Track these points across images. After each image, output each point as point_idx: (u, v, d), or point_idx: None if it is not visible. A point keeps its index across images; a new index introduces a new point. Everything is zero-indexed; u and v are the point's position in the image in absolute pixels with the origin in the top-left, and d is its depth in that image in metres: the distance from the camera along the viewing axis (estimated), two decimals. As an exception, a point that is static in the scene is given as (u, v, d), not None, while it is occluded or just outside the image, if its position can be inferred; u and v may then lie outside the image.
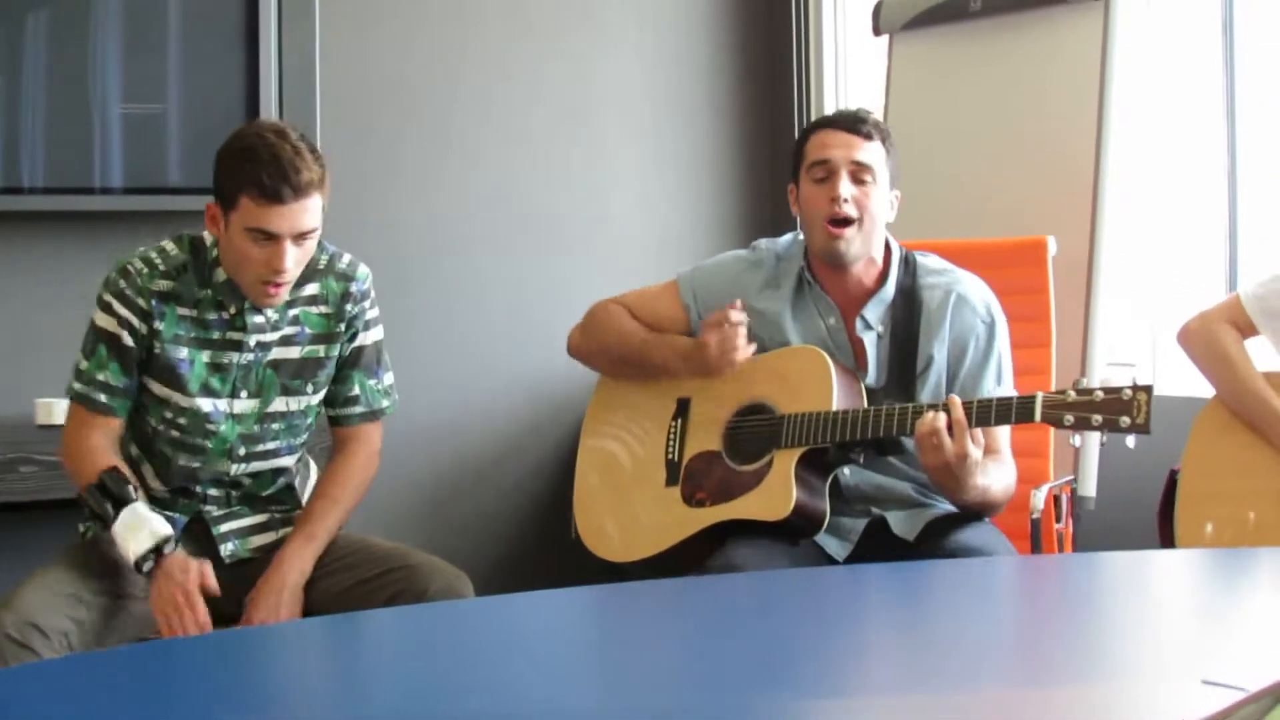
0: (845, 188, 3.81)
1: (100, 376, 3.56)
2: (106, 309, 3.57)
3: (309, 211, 3.46)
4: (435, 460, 5.31)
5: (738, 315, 3.89)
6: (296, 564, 3.63)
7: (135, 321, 3.55)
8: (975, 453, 3.62)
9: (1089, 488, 4.45)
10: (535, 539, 5.39)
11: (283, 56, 4.94)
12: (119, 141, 4.91)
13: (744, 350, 3.89)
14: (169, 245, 3.62)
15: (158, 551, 3.42)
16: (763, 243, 4.09)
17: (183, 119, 4.96)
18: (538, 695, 2.45)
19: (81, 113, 4.88)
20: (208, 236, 3.63)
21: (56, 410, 4.45)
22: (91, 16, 4.88)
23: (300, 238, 3.47)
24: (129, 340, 3.56)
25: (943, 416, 3.63)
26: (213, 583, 3.46)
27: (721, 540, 3.84)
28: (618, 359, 4.15)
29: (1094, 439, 3.96)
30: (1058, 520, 4.19)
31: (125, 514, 3.44)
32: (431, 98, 5.32)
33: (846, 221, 3.83)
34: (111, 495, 3.46)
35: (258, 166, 3.40)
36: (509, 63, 5.41)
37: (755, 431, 3.90)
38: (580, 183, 5.50)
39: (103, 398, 3.57)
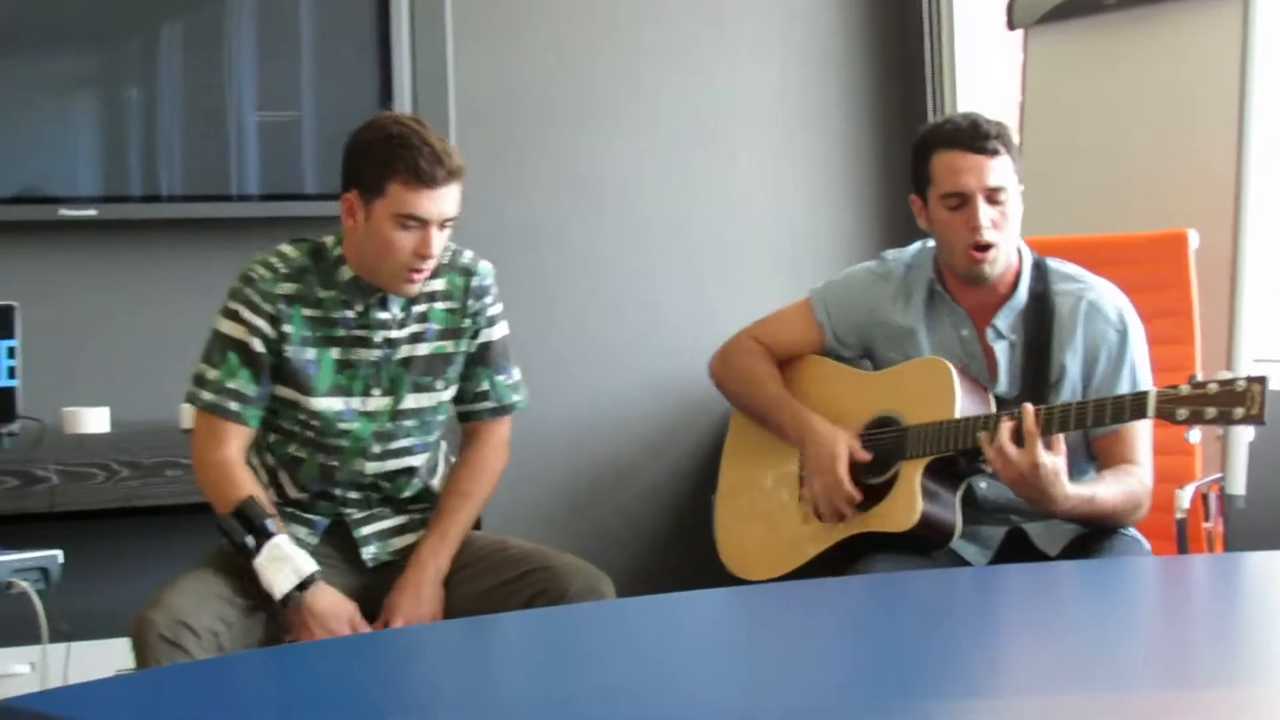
0: (984, 215, 3.78)
1: (231, 385, 3.56)
2: (233, 316, 3.58)
3: (455, 198, 3.50)
4: (574, 463, 5.31)
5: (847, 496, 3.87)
6: (433, 562, 3.64)
7: (264, 327, 3.56)
8: (1049, 460, 3.57)
9: (1237, 486, 4.37)
10: (674, 541, 5.38)
11: (416, 62, 4.96)
12: (255, 148, 4.95)
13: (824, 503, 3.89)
14: (287, 249, 3.64)
15: (302, 588, 3.44)
16: (890, 254, 4.06)
17: (317, 125, 4.99)
18: (679, 697, 2.45)
19: (217, 121, 4.92)
20: (327, 239, 3.65)
21: (200, 415, 4.49)
22: (226, 25, 4.92)
23: (444, 224, 3.50)
24: (259, 346, 3.57)
25: (1005, 428, 3.61)
26: (361, 624, 3.48)
27: (856, 555, 3.83)
28: (749, 409, 4.17)
29: (1242, 436, 3.91)
30: (1206, 519, 4.13)
31: (268, 549, 3.45)
32: (561, 103, 5.32)
33: (989, 245, 3.80)
34: (253, 526, 3.46)
35: (411, 151, 3.43)
36: (639, 68, 5.40)
37: (882, 444, 3.88)
38: (711, 187, 5.48)
39: (234, 406, 3.57)
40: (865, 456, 3.86)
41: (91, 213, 4.72)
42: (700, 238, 5.45)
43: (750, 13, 5.52)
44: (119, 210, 4.80)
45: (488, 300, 3.71)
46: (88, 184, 4.80)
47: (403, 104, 4.92)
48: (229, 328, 3.58)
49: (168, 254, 4.91)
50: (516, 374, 3.80)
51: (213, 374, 3.58)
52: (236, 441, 3.59)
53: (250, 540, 3.45)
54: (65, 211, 4.70)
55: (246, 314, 3.56)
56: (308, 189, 4.97)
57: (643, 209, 5.40)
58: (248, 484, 3.54)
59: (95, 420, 4.49)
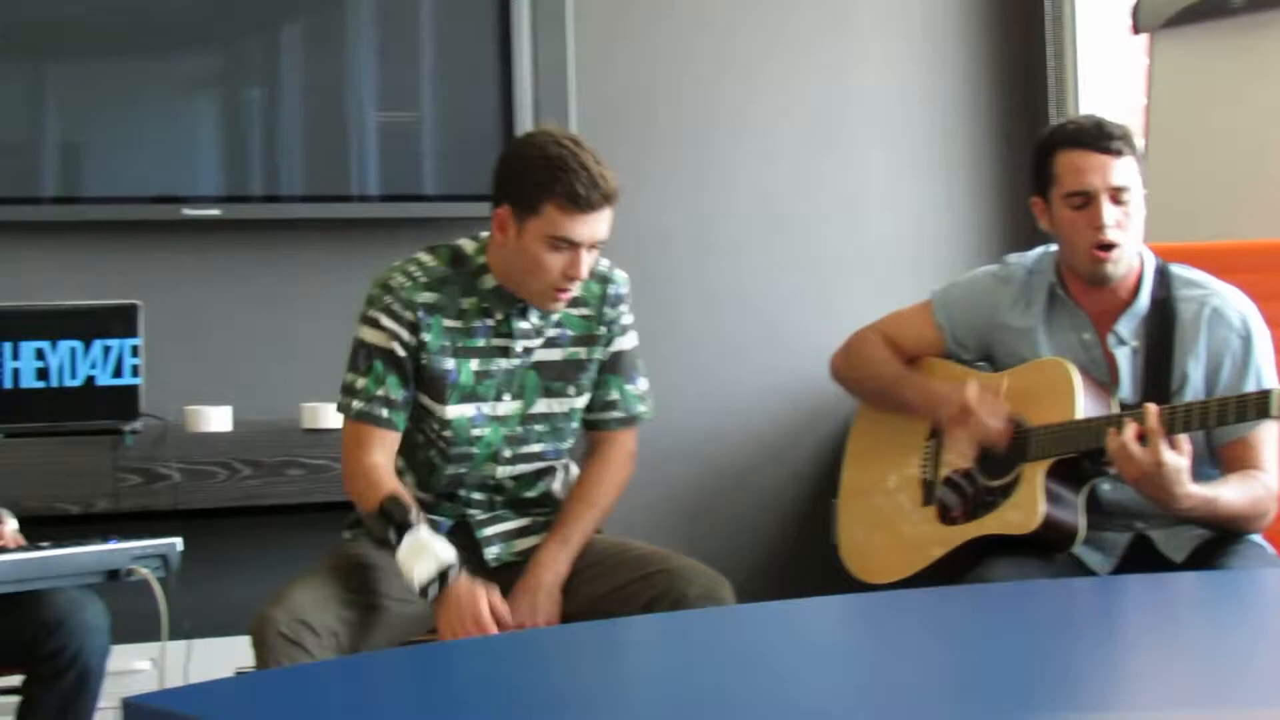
0: (1108, 214, 3.77)
1: (380, 392, 3.57)
2: (374, 324, 3.58)
3: (608, 221, 3.50)
4: (694, 466, 5.29)
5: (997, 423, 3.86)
6: (551, 566, 3.63)
7: (405, 334, 3.56)
8: (1172, 459, 3.55)
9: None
10: (793, 546, 5.36)
11: (537, 63, 4.96)
12: (375, 149, 4.97)
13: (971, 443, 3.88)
14: (425, 257, 3.63)
15: (443, 578, 3.44)
16: (1012, 258, 4.05)
17: (437, 126, 5.00)
18: (797, 704, 2.44)
19: (338, 121, 4.95)
20: (466, 244, 3.65)
21: (321, 415, 4.51)
22: (346, 26, 4.95)
23: (594, 246, 3.50)
24: (402, 352, 3.57)
25: (1131, 427, 3.58)
26: (503, 609, 3.48)
27: (979, 558, 3.81)
28: (873, 392, 4.15)
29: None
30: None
31: (408, 539, 3.44)
32: (684, 106, 5.31)
33: (1113, 245, 3.78)
34: (394, 521, 3.46)
35: (569, 175, 3.43)
36: (761, 71, 5.38)
37: (1005, 446, 3.86)
38: (834, 191, 5.45)
39: (385, 412, 3.58)
40: (1000, 409, 3.85)
41: (214, 212, 4.76)
42: (821, 242, 5.43)
43: (873, 16, 5.49)
44: (240, 210, 4.83)
45: (622, 309, 3.72)
46: (210, 184, 4.84)
47: (523, 105, 4.92)
48: (372, 335, 3.59)
49: (288, 254, 4.94)
50: (644, 384, 3.80)
51: (361, 382, 3.59)
52: (385, 448, 3.60)
53: (393, 534, 3.46)
54: (188, 211, 4.74)
55: (387, 321, 3.56)
56: (427, 190, 4.99)
57: (763, 213, 5.38)
58: (392, 484, 3.55)
59: (217, 419, 4.52)
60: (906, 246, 5.49)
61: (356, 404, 3.59)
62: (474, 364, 3.61)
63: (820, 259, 5.42)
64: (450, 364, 3.59)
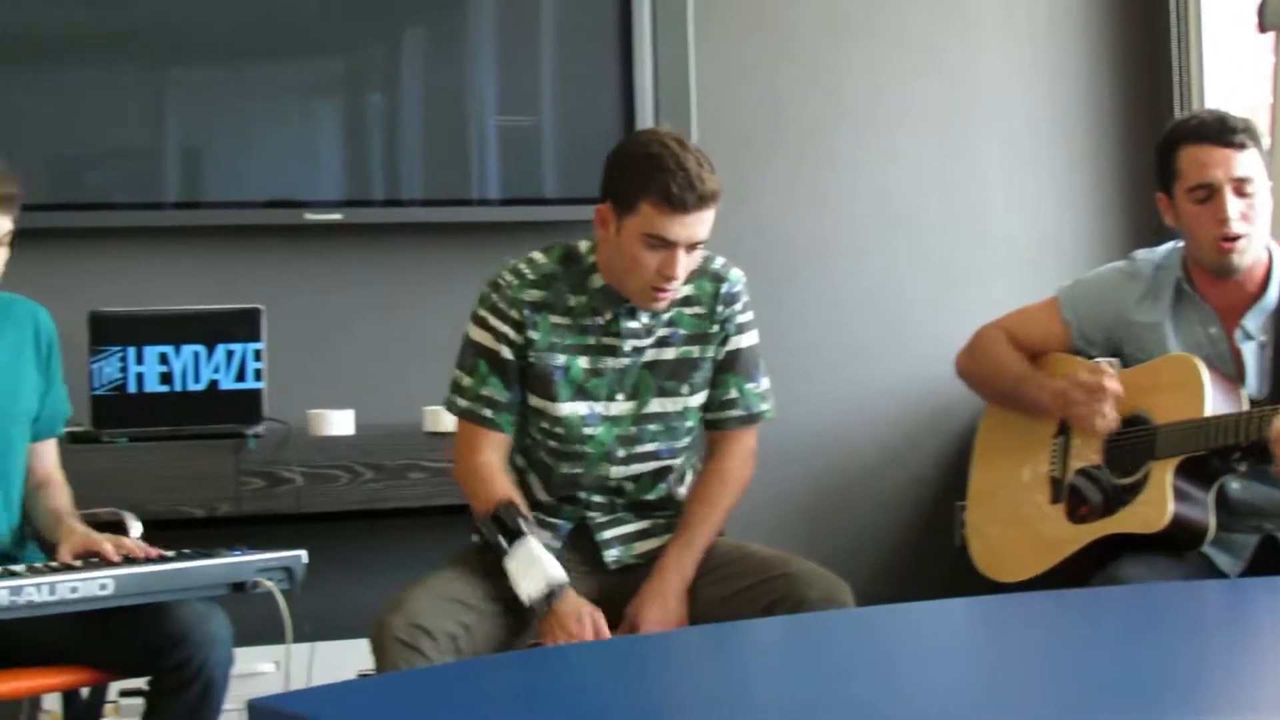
0: (1232, 206, 3.77)
1: (484, 392, 3.59)
2: (481, 323, 3.61)
3: (706, 223, 3.48)
4: (814, 469, 5.28)
5: (1111, 384, 3.84)
6: (677, 570, 3.61)
7: (511, 334, 3.58)
8: None
9: None
10: (914, 548, 5.33)
11: (658, 68, 4.95)
12: (495, 153, 4.98)
13: (1107, 418, 3.84)
14: (537, 255, 3.64)
15: (550, 595, 3.43)
16: (1140, 253, 4.03)
17: (558, 130, 5.01)
18: (919, 708, 2.41)
19: (458, 126, 4.96)
20: (582, 244, 3.65)
21: (444, 418, 4.51)
22: (467, 31, 4.96)
23: (693, 247, 3.48)
24: (507, 354, 3.58)
25: None
26: (606, 634, 3.47)
27: (1108, 556, 3.78)
28: (997, 390, 4.13)
29: None
30: None
31: (519, 551, 3.46)
32: (805, 107, 5.29)
33: (1238, 236, 3.77)
34: (506, 529, 3.48)
35: (665, 175, 3.42)
36: (883, 72, 5.35)
37: (1133, 443, 3.84)
38: (957, 192, 5.42)
39: (488, 413, 3.60)
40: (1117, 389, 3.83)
41: (336, 217, 4.78)
42: (943, 242, 5.40)
43: (995, 17, 5.45)
44: (362, 214, 4.85)
45: (737, 307, 3.69)
46: (331, 189, 4.87)
47: (644, 108, 4.92)
48: (478, 334, 3.61)
49: (409, 258, 4.96)
50: (765, 383, 3.77)
51: (466, 380, 3.61)
52: (494, 448, 3.62)
53: (504, 541, 3.47)
54: (310, 216, 4.77)
55: (493, 320, 3.59)
56: (548, 194, 5.00)
57: (886, 213, 5.36)
58: (505, 487, 3.57)
59: (340, 422, 4.54)
60: (1029, 246, 5.45)
61: (462, 402, 3.62)
62: (583, 361, 3.60)
63: (943, 259, 5.39)
64: (560, 360, 3.59)
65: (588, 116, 5.00)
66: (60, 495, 3.64)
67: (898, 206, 5.36)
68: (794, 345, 5.16)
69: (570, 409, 3.61)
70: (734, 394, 3.73)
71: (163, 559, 3.43)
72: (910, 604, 3.24)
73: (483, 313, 3.61)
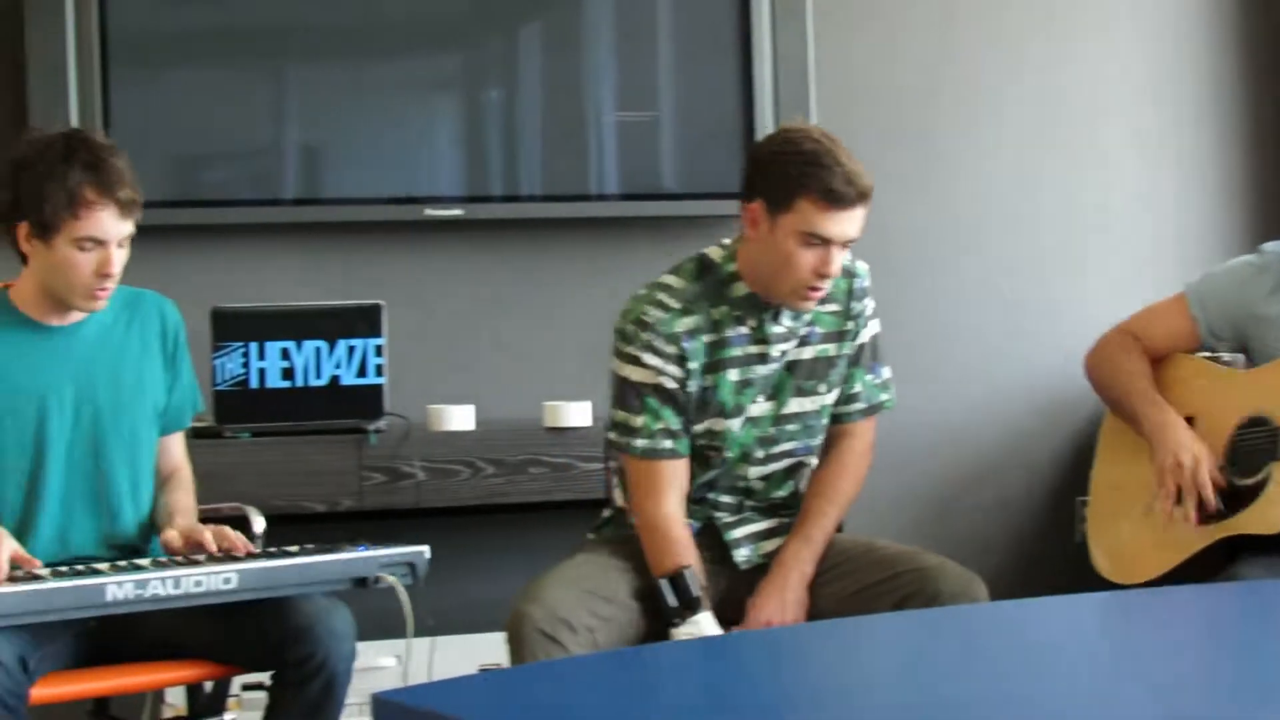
0: None
1: (660, 425, 3.54)
2: (636, 363, 3.54)
3: (860, 220, 3.46)
4: (937, 465, 5.25)
5: (1204, 480, 3.78)
6: (797, 567, 3.59)
7: (672, 369, 3.53)
8: None
9: None
10: (1036, 545, 5.29)
11: (777, 60, 4.92)
12: (614, 148, 4.97)
13: (1188, 515, 3.81)
14: (671, 280, 3.59)
15: None
16: (1269, 246, 3.97)
17: (676, 125, 5.00)
18: (1054, 704, 2.40)
19: (577, 121, 4.96)
20: (713, 251, 3.61)
21: (563, 413, 4.52)
22: (584, 27, 4.96)
23: (846, 244, 3.47)
24: (672, 385, 3.54)
25: None
26: None
27: (1230, 557, 3.74)
28: (1112, 400, 4.09)
29: None
30: None
31: (690, 624, 3.44)
32: (928, 99, 5.25)
33: None
34: (682, 597, 3.45)
35: (824, 171, 3.39)
36: (997, 67, 5.31)
37: (1255, 444, 3.79)
38: (1075, 188, 5.36)
39: (668, 444, 3.55)
40: (1219, 480, 3.78)
41: (456, 212, 4.79)
42: (1063, 241, 5.35)
43: (1114, 10, 5.39)
44: (481, 210, 4.85)
45: (867, 301, 3.68)
46: (451, 185, 4.88)
47: (764, 102, 4.89)
48: (637, 374, 3.55)
49: (528, 253, 4.96)
50: (886, 373, 3.75)
51: (638, 420, 3.55)
52: (677, 486, 3.58)
53: (676, 607, 3.45)
54: (430, 211, 4.77)
55: (651, 359, 3.53)
56: (666, 188, 4.99)
57: (1005, 207, 5.31)
58: (685, 548, 3.53)
59: (460, 418, 4.54)
60: (1152, 240, 5.39)
61: (640, 442, 3.56)
62: (733, 375, 3.57)
63: (1065, 254, 5.34)
64: (716, 379, 3.56)
65: (706, 111, 4.99)
66: (180, 489, 3.66)
67: (1019, 200, 5.32)
68: (917, 341, 5.13)
69: (731, 424, 3.59)
70: (857, 387, 3.71)
71: (271, 554, 3.44)
72: (1041, 599, 3.21)
73: (636, 351, 3.54)
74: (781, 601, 3.55)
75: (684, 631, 3.43)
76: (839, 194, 3.39)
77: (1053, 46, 5.35)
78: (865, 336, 3.70)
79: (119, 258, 3.40)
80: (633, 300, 3.58)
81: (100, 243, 3.36)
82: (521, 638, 3.35)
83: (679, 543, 3.52)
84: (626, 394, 3.56)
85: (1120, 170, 5.40)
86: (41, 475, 3.47)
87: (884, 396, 3.75)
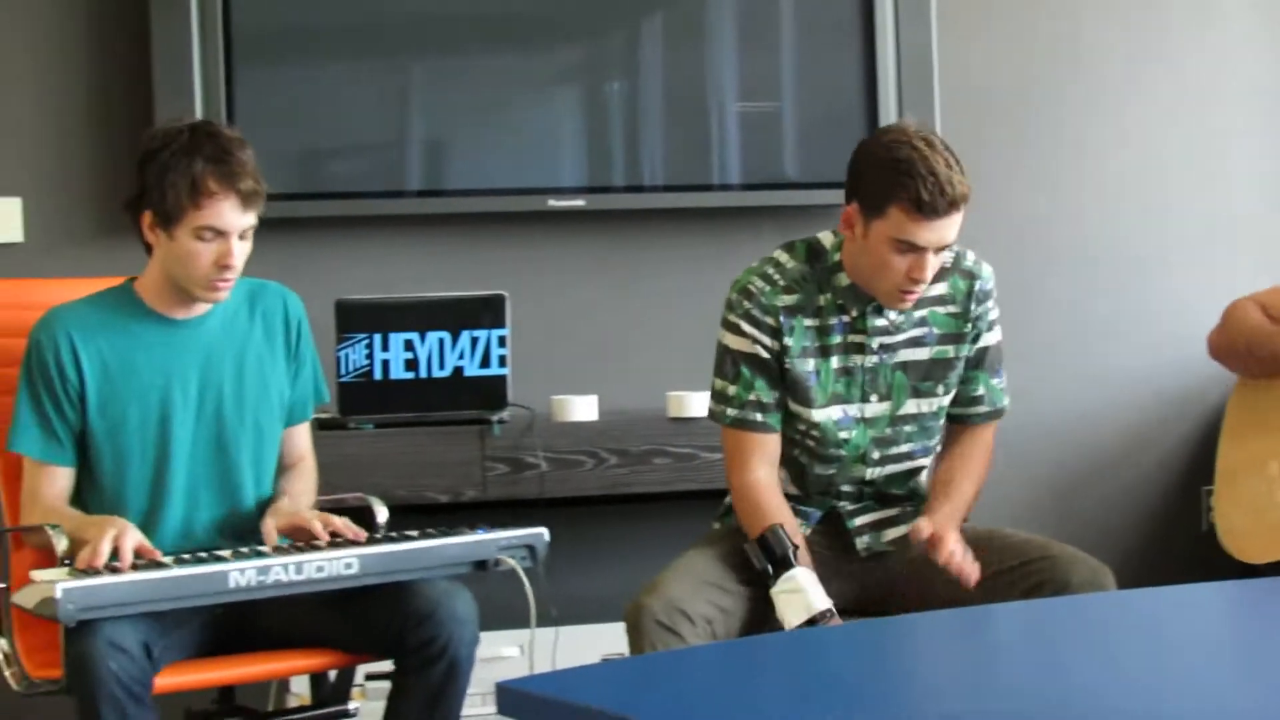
0: None
1: (752, 396, 3.55)
2: (736, 331, 3.56)
3: (955, 226, 3.43)
4: (1060, 453, 5.21)
5: None
6: (950, 524, 3.55)
7: (767, 339, 3.54)
8: None
9: None
10: (1161, 533, 5.25)
11: (900, 53, 4.89)
12: (736, 139, 4.96)
13: None
14: (783, 256, 3.60)
15: (812, 624, 3.38)
16: None
17: (799, 116, 4.98)
18: (1188, 694, 2.37)
19: (699, 112, 4.95)
20: (825, 238, 3.61)
21: (687, 403, 4.51)
22: (707, 17, 4.95)
23: (940, 250, 3.44)
24: (767, 356, 3.54)
25: None
26: None
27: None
28: (1244, 353, 4.01)
29: None
30: None
31: (784, 580, 3.42)
32: (1052, 90, 5.20)
33: None
34: (773, 556, 3.44)
35: (915, 181, 3.36)
36: (1136, 54, 5.24)
37: None
38: (1202, 178, 5.29)
39: (759, 416, 3.55)
40: None
41: (579, 203, 4.79)
42: (1190, 230, 5.28)
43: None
44: (604, 201, 4.85)
45: (989, 304, 3.65)
46: (573, 175, 4.89)
47: (887, 94, 4.87)
48: (735, 342, 3.57)
49: (651, 243, 4.96)
50: (1004, 377, 3.74)
51: (732, 389, 3.57)
52: (766, 457, 3.57)
53: (769, 567, 3.44)
54: (553, 202, 4.78)
55: (748, 328, 3.54)
56: (788, 178, 4.96)
57: (1133, 200, 5.25)
58: (775, 510, 3.52)
59: (583, 408, 4.54)
60: (1275, 228, 5.30)
61: (731, 411, 3.57)
62: (834, 362, 3.57)
63: (1187, 247, 5.28)
64: (810, 365, 3.56)
65: (829, 101, 4.97)
66: (298, 478, 3.68)
67: (1143, 188, 5.26)
68: (1041, 329, 5.11)
69: (824, 415, 3.58)
70: (981, 390, 3.70)
71: (391, 539, 3.46)
72: (1170, 587, 3.17)
73: (736, 319, 3.56)
74: (959, 531, 3.53)
75: (780, 589, 3.41)
76: (929, 205, 3.35)
77: (1181, 36, 5.28)
78: (990, 340, 3.67)
79: (240, 250, 3.42)
80: (744, 271, 3.60)
81: (221, 233, 3.39)
82: (640, 629, 3.35)
83: (767, 506, 3.52)
84: (724, 361, 3.59)
85: (1248, 163, 5.32)
86: (166, 467, 3.50)
87: (1005, 401, 3.74)
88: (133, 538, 3.28)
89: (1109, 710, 2.29)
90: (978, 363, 3.68)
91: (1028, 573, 3.50)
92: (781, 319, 3.54)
